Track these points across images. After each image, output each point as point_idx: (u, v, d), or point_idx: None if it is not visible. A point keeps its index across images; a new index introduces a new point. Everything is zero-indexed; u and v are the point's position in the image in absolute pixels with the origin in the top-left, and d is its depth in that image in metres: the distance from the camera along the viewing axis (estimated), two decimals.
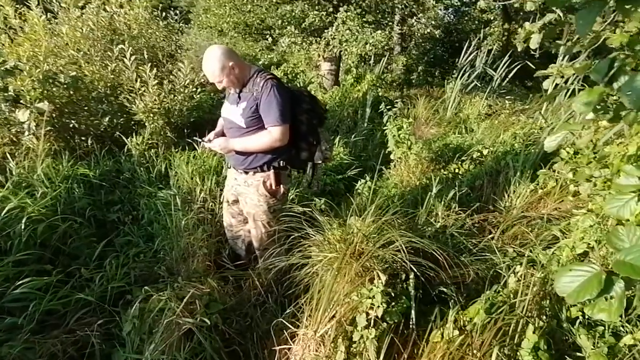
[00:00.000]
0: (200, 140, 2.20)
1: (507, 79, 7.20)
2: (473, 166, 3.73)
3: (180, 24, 6.00)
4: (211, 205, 2.82)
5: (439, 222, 2.55)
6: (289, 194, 2.72)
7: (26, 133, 3.10)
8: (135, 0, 4.62)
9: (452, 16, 13.95)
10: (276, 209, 2.21)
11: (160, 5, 5.31)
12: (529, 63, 5.66)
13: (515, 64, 6.79)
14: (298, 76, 8.37)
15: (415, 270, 1.82)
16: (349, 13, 6.11)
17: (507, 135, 4.36)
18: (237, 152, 2.08)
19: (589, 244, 2.02)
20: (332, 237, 2.00)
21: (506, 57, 6.93)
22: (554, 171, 2.92)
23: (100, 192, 2.92)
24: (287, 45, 7.10)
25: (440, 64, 11.25)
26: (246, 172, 2.13)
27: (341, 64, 8.02)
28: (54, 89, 3.38)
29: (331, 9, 6.61)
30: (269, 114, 1.94)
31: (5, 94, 3.04)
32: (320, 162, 2.28)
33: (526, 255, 2.02)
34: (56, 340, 1.80)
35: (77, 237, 2.40)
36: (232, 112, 2.07)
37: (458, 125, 5.71)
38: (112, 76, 3.93)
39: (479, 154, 3.90)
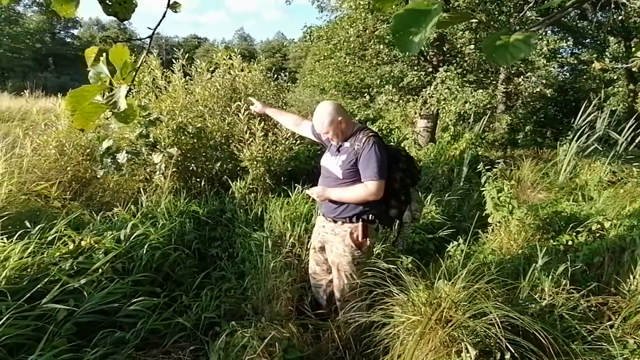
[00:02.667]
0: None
1: (636, 143, 6.28)
2: (591, 239, 3.24)
3: (288, 84, 6.70)
4: (298, 251, 2.93)
5: (544, 299, 2.23)
6: (375, 249, 2.69)
7: (157, 173, 3.71)
8: (253, 64, 5.38)
9: (567, 74, 12.97)
10: (360, 261, 2.20)
11: (274, 67, 6.03)
12: None
13: None
14: (393, 132, 8.50)
15: (513, 351, 1.61)
16: (448, 73, 6.12)
17: (635, 207, 3.73)
18: (331, 201, 2.18)
19: None
20: (417, 299, 1.90)
21: (632, 120, 6.11)
22: None
23: (205, 228, 3.28)
24: (384, 102, 7.35)
25: (552, 124, 10.35)
26: (335, 221, 2.20)
27: (438, 122, 7.94)
28: (183, 137, 4.02)
29: (430, 69, 6.71)
30: (367, 169, 2.03)
31: (147, 140, 3.72)
32: (408, 221, 2.25)
33: None
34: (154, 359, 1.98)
35: (183, 266, 2.71)
36: (330, 163, 2.21)
37: (573, 192, 5.09)
38: (228, 128, 4.53)
39: (599, 226, 3.38)
